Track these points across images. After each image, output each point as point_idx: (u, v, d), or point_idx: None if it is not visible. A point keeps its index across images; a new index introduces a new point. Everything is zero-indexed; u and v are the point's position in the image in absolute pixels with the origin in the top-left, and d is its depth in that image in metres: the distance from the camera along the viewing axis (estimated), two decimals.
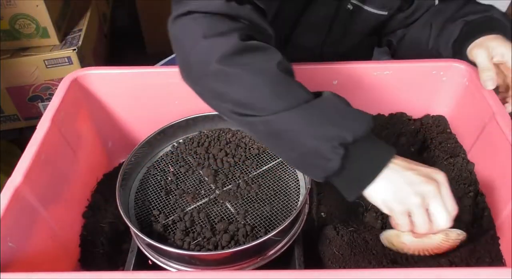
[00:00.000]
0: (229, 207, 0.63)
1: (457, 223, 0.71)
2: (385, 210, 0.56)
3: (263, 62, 0.56)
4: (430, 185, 0.53)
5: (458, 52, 0.78)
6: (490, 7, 0.80)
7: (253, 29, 0.61)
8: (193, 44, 0.58)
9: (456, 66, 0.79)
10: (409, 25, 0.91)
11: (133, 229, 0.62)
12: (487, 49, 0.72)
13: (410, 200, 0.53)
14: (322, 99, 0.56)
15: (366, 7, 0.84)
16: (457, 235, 0.62)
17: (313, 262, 0.68)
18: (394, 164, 0.54)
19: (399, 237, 0.63)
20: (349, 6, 0.82)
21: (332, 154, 0.52)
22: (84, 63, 1.14)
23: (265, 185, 0.68)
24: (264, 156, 0.74)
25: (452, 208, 0.54)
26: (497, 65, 0.72)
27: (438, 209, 0.53)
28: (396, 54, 0.99)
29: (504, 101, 0.74)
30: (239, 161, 0.72)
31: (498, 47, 0.71)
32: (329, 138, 0.52)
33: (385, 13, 0.85)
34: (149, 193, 0.70)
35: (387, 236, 0.66)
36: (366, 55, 1.02)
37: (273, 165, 0.72)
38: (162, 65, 1.13)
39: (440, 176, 0.55)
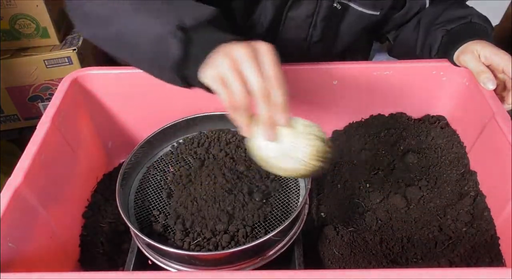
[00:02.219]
0: (229, 207, 0.63)
1: (457, 223, 0.71)
2: (212, 86, 0.52)
3: None
4: (243, 48, 0.50)
5: (444, 59, 0.80)
6: (469, 11, 0.81)
7: None
8: None
9: (456, 66, 0.79)
10: (402, 26, 0.92)
11: (133, 229, 0.62)
12: (473, 53, 0.74)
13: (221, 62, 0.50)
14: None
15: (355, 7, 0.83)
16: (318, 138, 0.54)
17: (313, 262, 0.68)
18: (224, 45, 0.52)
19: (256, 146, 0.55)
20: (335, 4, 0.81)
21: (171, 38, 0.52)
22: (84, 63, 1.14)
23: (265, 185, 0.68)
24: None
25: (271, 73, 0.50)
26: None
27: (249, 71, 0.49)
28: (391, 53, 1.00)
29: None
30: (239, 161, 0.72)
31: (482, 50, 0.73)
32: (168, 21, 0.53)
33: (377, 13, 0.85)
34: (149, 193, 0.70)
35: (249, 148, 0.57)
36: (363, 55, 1.01)
37: None
38: None
39: (262, 45, 0.51)
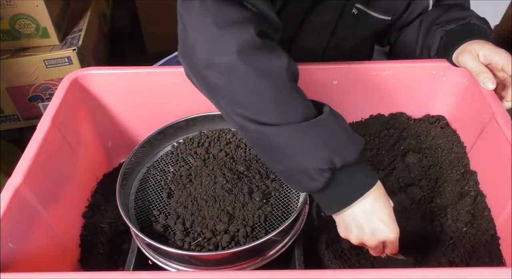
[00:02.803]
0: (229, 207, 0.63)
1: (457, 223, 0.71)
2: (343, 233, 0.62)
3: (273, 64, 0.56)
4: (375, 244, 0.59)
5: (444, 59, 0.80)
6: (468, 13, 0.81)
7: (263, 19, 0.59)
8: (201, 30, 0.56)
9: (455, 66, 0.79)
10: (404, 27, 0.91)
11: (133, 229, 0.62)
12: (472, 53, 0.73)
13: (369, 242, 0.59)
14: (321, 120, 0.55)
15: (371, 12, 0.84)
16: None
17: (313, 262, 0.68)
18: (372, 195, 0.57)
19: None
20: (354, 10, 0.82)
21: (318, 176, 0.54)
22: (84, 63, 1.14)
23: (265, 185, 0.68)
24: None
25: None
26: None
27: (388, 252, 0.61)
28: (391, 53, 1.00)
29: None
30: (239, 161, 0.72)
31: (481, 49, 0.72)
32: (319, 161, 0.54)
33: (389, 18, 0.86)
34: (149, 193, 0.70)
35: None
36: (366, 56, 1.02)
37: None
38: (161, 64, 1.13)
39: (393, 236, 0.59)
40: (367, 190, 0.57)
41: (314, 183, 0.55)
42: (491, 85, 0.71)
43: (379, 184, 0.59)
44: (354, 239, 0.60)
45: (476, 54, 0.73)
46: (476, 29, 0.78)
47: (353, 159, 0.55)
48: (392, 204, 0.60)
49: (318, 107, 0.57)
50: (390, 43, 0.98)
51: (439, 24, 0.81)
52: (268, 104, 0.54)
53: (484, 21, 0.80)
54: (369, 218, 0.57)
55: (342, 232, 0.61)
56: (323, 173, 0.54)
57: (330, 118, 0.56)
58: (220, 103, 0.57)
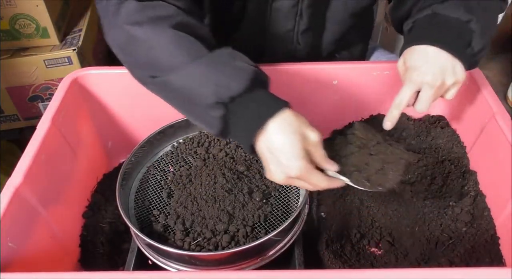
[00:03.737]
0: (229, 207, 0.63)
1: (457, 223, 0.71)
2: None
3: (159, 15, 0.59)
4: (298, 171, 0.54)
5: None
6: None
7: None
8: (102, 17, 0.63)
9: None
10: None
11: (133, 229, 0.62)
12: (403, 64, 0.67)
13: (279, 177, 0.55)
14: (207, 57, 0.57)
15: None
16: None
17: (313, 262, 0.68)
18: (272, 126, 0.54)
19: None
20: None
21: (213, 112, 0.54)
22: (84, 63, 1.14)
23: (265, 185, 0.68)
24: None
25: (317, 186, 0.56)
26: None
27: (305, 187, 0.57)
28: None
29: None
30: (239, 161, 0.72)
31: (408, 61, 0.65)
32: (208, 97, 0.54)
33: None
34: (149, 193, 0.70)
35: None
36: (360, 50, 1.00)
37: None
38: None
39: (314, 147, 0.56)
40: (264, 120, 0.54)
41: (215, 121, 0.55)
42: (389, 126, 0.66)
43: (283, 114, 0.55)
44: (269, 177, 0.57)
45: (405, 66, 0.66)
46: (438, 24, 0.66)
47: (241, 89, 0.54)
48: (315, 136, 0.56)
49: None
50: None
51: (411, 16, 0.71)
52: (160, 55, 0.58)
53: (455, 4, 0.65)
54: (271, 154, 0.54)
55: (266, 173, 0.58)
56: (215, 108, 0.54)
57: (216, 55, 0.57)
58: (136, 74, 0.63)
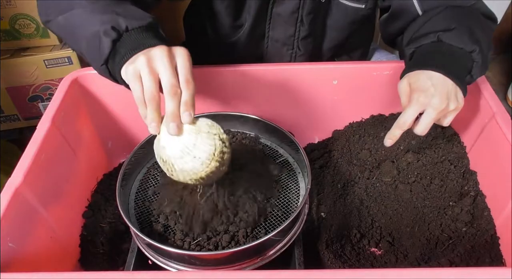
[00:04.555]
0: (229, 207, 0.63)
1: (457, 223, 0.71)
2: (127, 81, 0.57)
3: None
4: (161, 49, 0.55)
5: None
6: (448, 24, 0.68)
7: None
8: None
9: None
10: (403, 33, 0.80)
11: (133, 229, 0.62)
12: (407, 87, 0.66)
13: (139, 59, 0.55)
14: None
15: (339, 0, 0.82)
16: (219, 140, 0.55)
17: (313, 262, 0.68)
18: (149, 48, 0.56)
19: (160, 146, 0.56)
20: None
21: (105, 36, 0.57)
22: (84, 63, 1.14)
23: (265, 185, 0.68)
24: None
25: (182, 72, 0.55)
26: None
27: (162, 69, 0.54)
28: None
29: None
30: (239, 161, 0.72)
31: (414, 84, 0.65)
32: (105, 21, 0.58)
33: (362, 6, 0.83)
34: (149, 193, 0.70)
35: (155, 149, 0.57)
36: (361, 55, 1.01)
37: None
38: None
39: (179, 49, 0.56)
40: (151, 45, 0.56)
41: (103, 45, 0.57)
42: (389, 143, 0.66)
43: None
44: (129, 68, 0.57)
45: (408, 89, 0.65)
46: (441, 52, 0.67)
47: (140, 24, 0.58)
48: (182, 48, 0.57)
49: None
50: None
51: (413, 40, 0.72)
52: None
53: (460, 34, 0.67)
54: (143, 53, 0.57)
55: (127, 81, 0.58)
56: (109, 32, 0.57)
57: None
58: (43, 15, 0.68)
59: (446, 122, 0.66)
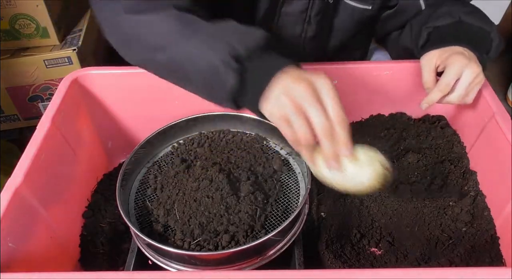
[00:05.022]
0: (229, 207, 0.63)
1: (457, 223, 0.71)
2: (273, 122, 0.54)
3: (164, 6, 0.59)
4: (304, 87, 0.50)
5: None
6: (461, 8, 0.74)
7: None
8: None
9: None
10: (401, 29, 0.88)
11: (133, 229, 0.62)
12: (432, 61, 0.69)
13: (283, 101, 0.51)
14: (208, 24, 0.57)
15: (347, 1, 0.82)
16: (379, 164, 0.56)
17: (313, 262, 0.68)
18: (281, 75, 0.52)
19: (320, 175, 0.58)
20: None
21: (226, 68, 0.52)
22: (84, 63, 1.14)
23: (265, 185, 0.68)
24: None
25: (333, 111, 0.51)
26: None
27: (312, 112, 0.50)
28: (393, 57, 0.98)
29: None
30: (239, 162, 0.72)
31: (443, 62, 0.68)
32: (220, 52, 0.53)
33: (369, 7, 0.83)
34: (149, 193, 0.70)
35: (314, 173, 0.60)
36: (361, 53, 1.01)
37: None
38: None
39: (321, 80, 0.52)
40: (276, 71, 0.52)
41: (227, 79, 0.52)
42: (423, 107, 0.69)
43: (289, 70, 0.53)
44: (275, 110, 0.53)
45: (435, 64, 0.69)
46: (463, 30, 0.71)
47: (258, 44, 0.53)
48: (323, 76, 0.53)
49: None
50: (389, 45, 0.96)
51: (427, 23, 0.76)
52: (166, 32, 0.58)
53: (478, 17, 0.73)
54: (284, 86, 0.52)
55: (271, 119, 0.55)
56: (229, 63, 0.52)
57: (219, 21, 0.57)
58: (135, 58, 0.63)
59: (470, 98, 0.66)
